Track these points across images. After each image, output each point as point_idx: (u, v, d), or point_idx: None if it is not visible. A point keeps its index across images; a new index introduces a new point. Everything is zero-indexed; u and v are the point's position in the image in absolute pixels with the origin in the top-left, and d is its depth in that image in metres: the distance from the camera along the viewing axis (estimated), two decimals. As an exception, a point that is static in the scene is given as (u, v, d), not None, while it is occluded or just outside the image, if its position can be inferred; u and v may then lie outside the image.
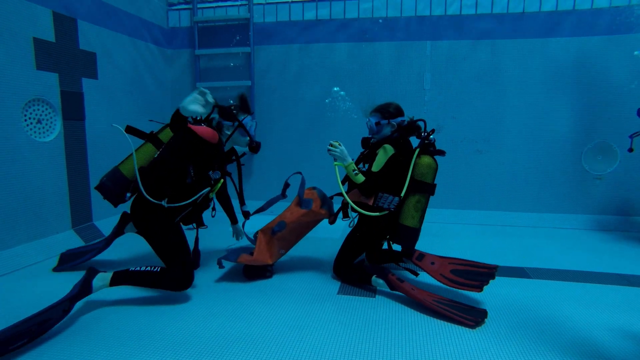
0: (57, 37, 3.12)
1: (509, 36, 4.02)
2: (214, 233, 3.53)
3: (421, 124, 2.49)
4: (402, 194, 2.32)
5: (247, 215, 2.78)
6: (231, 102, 2.58)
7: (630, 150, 3.42)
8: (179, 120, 2.07)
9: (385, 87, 4.26)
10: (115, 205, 2.55)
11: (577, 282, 2.60)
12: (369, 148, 2.57)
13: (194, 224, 2.61)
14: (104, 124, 3.61)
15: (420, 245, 3.28)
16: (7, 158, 2.76)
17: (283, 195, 2.75)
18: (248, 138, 2.53)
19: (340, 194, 2.44)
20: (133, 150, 2.36)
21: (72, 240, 3.19)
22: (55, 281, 2.53)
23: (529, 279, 2.65)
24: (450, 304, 2.15)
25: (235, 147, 2.69)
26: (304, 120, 4.47)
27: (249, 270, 2.63)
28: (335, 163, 2.41)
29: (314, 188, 2.72)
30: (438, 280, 2.43)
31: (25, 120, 2.91)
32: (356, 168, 2.39)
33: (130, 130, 2.46)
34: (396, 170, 2.38)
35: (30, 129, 2.95)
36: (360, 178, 2.36)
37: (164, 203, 2.30)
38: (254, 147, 2.55)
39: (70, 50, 3.25)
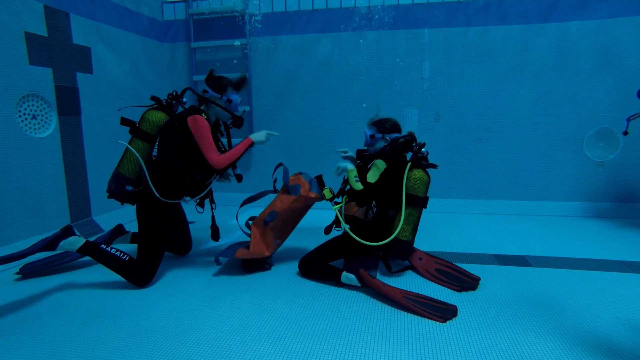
0: (50, 32, 3.09)
1: (507, 22, 3.96)
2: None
3: (402, 114, 2.56)
4: (403, 209, 2.31)
5: (239, 178, 2.70)
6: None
7: (625, 133, 3.37)
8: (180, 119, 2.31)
9: (384, 77, 4.21)
10: (134, 204, 2.53)
11: (579, 269, 2.58)
12: (363, 161, 2.61)
13: (201, 208, 2.65)
14: (100, 119, 3.59)
15: (420, 236, 3.27)
16: (3, 154, 2.75)
17: (275, 190, 2.75)
18: (230, 115, 2.53)
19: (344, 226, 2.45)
20: (138, 155, 2.41)
21: (71, 236, 3.18)
22: (55, 277, 2.53)
23: (529, 267, 2.63)
24: (421, 300, 2.10)
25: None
26: (301, 112, 4.44)
27: (248, 263, 2.62)
28: (334, 207, 2.43)
29: (300, 173, 2.70)
30: (422, 274, 2.46)
31: (20, 116, 2.89)
32: (357, 176, 2.39)
33: (124, 122, 2.49)
34: (388, 184, 2.38)
35: (26, 125, 2.93)
36: (360, 186, 2.35)
37: (188, 199, 2.48)
38: (238, 123, 2.56)
39: (63, 44, 3.21)
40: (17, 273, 2.52)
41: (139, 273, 2.31)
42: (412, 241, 2.47)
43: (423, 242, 3.15)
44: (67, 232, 2.35)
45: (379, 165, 2.41)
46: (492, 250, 2.97)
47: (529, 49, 3.95)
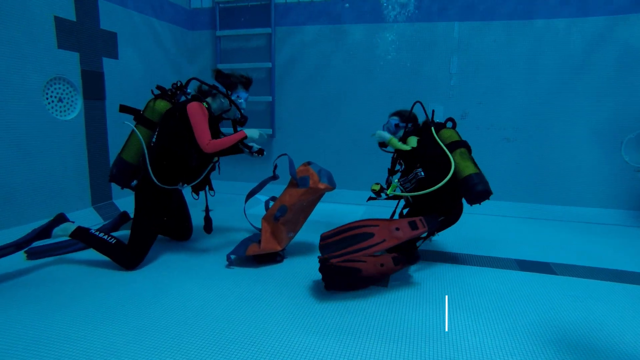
0: (78, 16, 3.14)
1: (543, 16, 3.74)
2: (220, 214, 3.53)
3: (419, 107, 2.72)
4: (448, 153, 2.43)
5: (261, 151, 2.68)
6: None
7: None
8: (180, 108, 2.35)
9: (410, 70, 4.08)
10: (133, 189, 2.59)
11: (608, 281, 2.41)
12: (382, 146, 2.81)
13: (197, 195, 2.69)
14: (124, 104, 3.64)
15: (440, 236, 3.16)
16: (29, 135, 2.83)
17: (274, 176, 2.73)
18: (237, 112, 2.59)
19: (396, 197, 2.57)
20: (143, 142, 2.45)
21: (92, 218, 3.26)
22: (70, 257, 2.59)
23: (553, 275, 2.48)
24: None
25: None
26: (325, 103, 4.37)
27: (260, 255, 2.59)
28: (389, 191, 2.56)
29: (308, 163, 2.64)
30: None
31: (47, 98, 2.96)
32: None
33: (123, 108, 2.54)
34: (426, 150, 2.55)
35: (52, 107, 3.00)
36: (407, 146, 2.59)
37: (179, 187, 2.51)
38: (242, 121, 2.61)
39: (91, 29, 3.27)
40: (25, 252, 2.54)
41: (126, 256, 2.38)
42: (480, 172, 2.42)
43: (443, 242, 3.04)
44: (59, 219, 2.43)
45: (411, 140, 2.65)
46: (515, 255, 2.83)
47: (564, 45, 3.72)
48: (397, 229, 2.11)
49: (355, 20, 4.18)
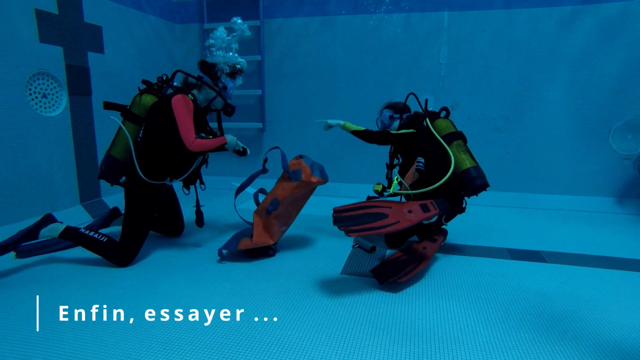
0: (61, 9, 3.06)
1: (533, 5, 3.74)
2: (211, 209, 3.51)
3: (413, 98, 2.77)
4: (446, 146, 2.45)
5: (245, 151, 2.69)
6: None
7: None
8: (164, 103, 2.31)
9: (400, 61, 4.07)
10: (123, 186, 2.56)
11: (597, 267, 2.45)
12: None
13: (186, 189, 2.67)
14: (110, 100, 3.53)
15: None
16: (13, 132, 2.76)
17: (264, 170, 2.71)
18: (223, 102, 2.59)
19: (397, 194, 2.45)
20: (129, 137, 2.42)
21: (80, 216, 3.21)
22: (60, 255, 2.55)
23: (544, 263, 2.51)
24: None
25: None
26: (316, 96, 4.34)
27: (252, 249, 2.57)
28: (391, 190, 2.41)
29: (300, 157, 2.63)
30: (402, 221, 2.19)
31: (30, 94, 2.89)
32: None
33: (108, 105, 2.51)
34: (423, 145, 2.54)
35: (36, 104, 2.93)
36: (361, 128, 2.67)
37: (167, 182, 2.48)
38: (230, 111, 2.60)
39: (74, 23, 3.19)
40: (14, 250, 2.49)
41: (119, 253, 2.36)
42: (478, 166, 2.46)
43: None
44: (47, 220, 2.39)
45: (408, 130, 2.64)
46: (506, 244, 2.85)
47: (554, 34, 3.74)
48: (410, 211, 2.13)
49: (345, 12, 4.14)
